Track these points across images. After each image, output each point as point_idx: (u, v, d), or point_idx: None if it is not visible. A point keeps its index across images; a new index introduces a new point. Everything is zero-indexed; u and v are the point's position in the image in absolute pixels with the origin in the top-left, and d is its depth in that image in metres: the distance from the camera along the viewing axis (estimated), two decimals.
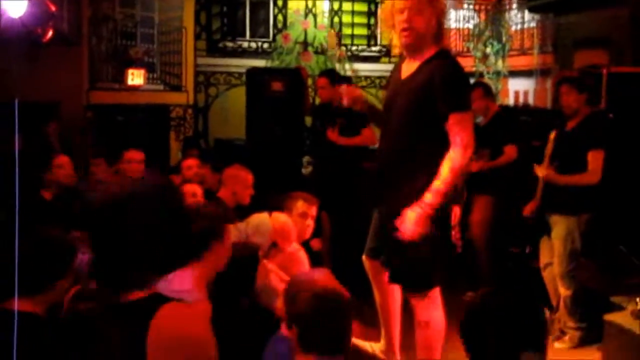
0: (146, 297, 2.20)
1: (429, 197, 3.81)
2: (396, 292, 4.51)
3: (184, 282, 3.17)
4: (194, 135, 11.75)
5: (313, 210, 4.90)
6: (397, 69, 4.26)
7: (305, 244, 4.99)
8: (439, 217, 3.90)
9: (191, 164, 6.52)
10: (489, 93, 6.86)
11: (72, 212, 4.81)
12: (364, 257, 4.54)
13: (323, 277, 2.91)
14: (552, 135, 5.58)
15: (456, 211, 4.19)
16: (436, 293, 4.14)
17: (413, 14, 3.94)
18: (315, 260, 5.44)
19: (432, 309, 4.11)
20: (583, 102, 5.48)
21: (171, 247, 2.24)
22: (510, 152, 6.53)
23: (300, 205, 4.83)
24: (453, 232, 4.60)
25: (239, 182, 5.61)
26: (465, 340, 2.57)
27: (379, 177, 4.21)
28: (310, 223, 4.88)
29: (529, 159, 6.83)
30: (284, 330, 3.16)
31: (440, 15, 4.01)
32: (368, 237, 4.48)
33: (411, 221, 3.83)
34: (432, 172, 3.83)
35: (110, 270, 2.22)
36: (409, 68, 4.09)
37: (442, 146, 3.86)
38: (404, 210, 3.86)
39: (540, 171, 5.50)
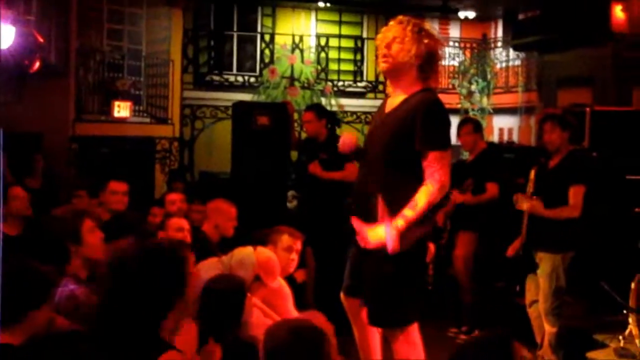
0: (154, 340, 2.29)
1: (399, 221, 3.79)
2: (375, 330, 4.46)
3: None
4: (179, 168, 11.73)
5: (298, 245, 4.90)
6: (383, 105, 4.28)
7: (289, 277, 4.98)
8: (414, 253, 3.90)
9: (174, 199, 6.50)
10: (478, 129, 6.92)
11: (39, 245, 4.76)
12: (341, 295, 4.48)
13: (307, 316, 2.91)
14: (532, 173, 5.61)
15: (431, 248, 4.17)
16: (414, 331, 4.10)
17: (394, 41, 3.97)
18: (299, 293, 5.43)
19: (411, 348, 4.08)
20: (566, 139, 5.53)
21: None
22: (492, 189, 6.57)
23: (285, 240, 4.82)
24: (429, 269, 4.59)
25: (221, 214, 5.61)
26: None
27: (353, 209, 4.20)
28: (294, 257, 4.87)
29: (512, 196, 6.88)
30: None
31: (429, 51, 3.99)
32: (345, 275, 4.43)
33: (376, 234, 3.81)
34: (405, 204, 3.82)
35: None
36: (392, 102, 4.11)
37: (417, 181, 3.86)
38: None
39: (525, 203, 5.51)
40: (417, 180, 3.85)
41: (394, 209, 3.83)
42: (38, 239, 4.24)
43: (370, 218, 3.91)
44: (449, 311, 7.10)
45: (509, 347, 2.50)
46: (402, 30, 3.98)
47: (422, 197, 3.80)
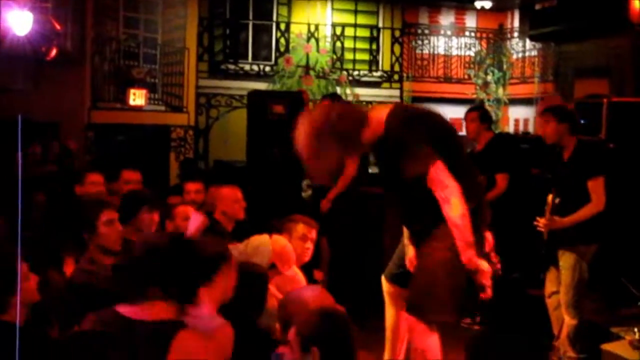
0: (166, 321, 2.32)
1: (464, 255, 3.79)
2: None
3: (203, 309, 3.23)
4: (192, 158, 11.76)
5: (313, 234, 4.90)
6: None
7: (304, 267, 4.98)
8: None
9: (191, 189, 6.41)
10: (484, 119, 6.84)
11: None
12: (383, 278, 4.52)
13: (314, 292, 2.97)
14: (550, 197, 5.53)
15: (489, 238, 4.17)
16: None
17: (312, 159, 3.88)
18: (314, 281, 5.44)
19: (429, 336, 4.09)
20: (564, 131, 5.44)
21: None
22: (501, 182, 6.51)
23: (300, 228, 4.82)
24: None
25: (224, 199, 5.59)
26: None
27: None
28: (309, 246, 4.88)
29: (528, 186, 6.86)
30: (282, 350, 3.16)
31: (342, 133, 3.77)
32: (391, 261, 4.46)
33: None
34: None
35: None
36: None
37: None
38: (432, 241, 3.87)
39: (545, 225, 5.44)
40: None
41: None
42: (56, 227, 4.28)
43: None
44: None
45: None
46: (310, 149, 3.84)
47: (451, 227, 3.75)
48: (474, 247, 3.76)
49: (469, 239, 3.73)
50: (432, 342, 4.08)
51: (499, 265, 6.19)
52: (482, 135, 6.77)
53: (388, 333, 4.64)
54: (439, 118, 4.04)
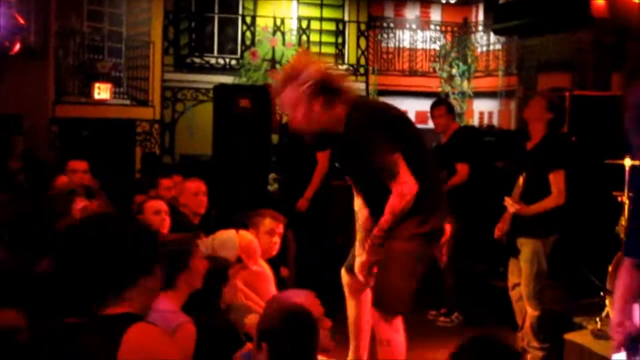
0: (119, 314, 2.27)
1: (374, 233, 4.00)
2: (369, 308, 4.53)
3: (168, 303, 3.25)
4: (154, 152, 11.67)
5: (280, 228, 4.92)
6: None
7: (271, 263, 5.00)
8: (423, 247, 4.01)
9: (169, 185, 6.33)
10: (450, 111, 6.94)
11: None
12: (343, 271, 4.55)
13: (299, 296, 2.96)
14: (521, 179, 5.59)
15: (447, 229, 4.24)
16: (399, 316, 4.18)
17: (289, 109, 4.00)
18: (280, 278, 5.45)
19: (393, 329, 4.14)
20: (546, 120, 5.51)
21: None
22: (462, 170, 6.58)
23: (267, 223, 4.84)
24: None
25: (184, 193, 5.58)
26: None
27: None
28: (277, 240, 4.90)
29: (491, 179, 6.93)
30: (249, 346, 3.19)
31: (318, 82, 3.90)
32: (350, 252, 4.50)
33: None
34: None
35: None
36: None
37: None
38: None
39: (511, 207, 5.51)
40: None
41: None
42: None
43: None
44: (429, 294, 7.12)
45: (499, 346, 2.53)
46: (286, 97, 3.95)
47: (386, 210, 3.93)
48: (381, 239, 3.96)
49: (385, 228, 3.94)
50: (396, 334, 4.14)
51: (445, 258, 6.26)
52: (449, 128, 6.83)
53: (351, 328, 4.66)
54: (395, 111, 4.16)
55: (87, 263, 2.33)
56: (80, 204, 4.24)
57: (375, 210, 4.13)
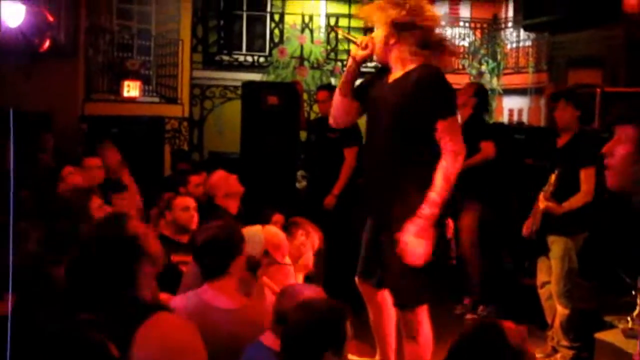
0: (139, 305, 2.26)
1: (426, 210, 3.83)
2: (390, 310, 4.49)
3: (218, 293, 3.40)
4: (183, 149, 11.73)
5: (316, 241, 4.92)
6: (385, 73, 4.27)
7: None
8: (437, 230, 3.93)
9: (199, 182, 6.34)
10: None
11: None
12: (356, 279, 4.52)
13: (314, 291, 2.97)
14: (553, 176, 5.55)
15: (450, 224, 4.19)
16: (425, 309, 4.14)
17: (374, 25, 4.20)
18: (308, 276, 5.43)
19: (420, 324, 4.11)
20: (576, 118, 5.49)
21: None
22: (486, 148, 6.49)
23: (302, 234, 4.84)
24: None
25: (174, 208, 5.56)
26: None
27: (368, 188, 4.24)
28: (310, 256, 4.89)
29: (521, 176, 6.87)
30: (264, 339, 3.19)
31: (415, 24, 4.03)
32: (359, 259, 4.47)
33: (413, 235, 3.83)
34: (423, 182, 3.85)
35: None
36: (394, 75, 4.13)
37: (432, 154, 3.88)
38: (397, 224, 3.88)
39: (542, 204, 5.46)
40: (432, 154, 3.87)
41: (412, 189, 3.87)
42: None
43: (388, 201, 3.97)
44: (457, 288, 7.05)
45: (501, 333, 2.49)
46: (372, 15, 4.04)
47: (439, 176, 3.82)
48: (440, 209, 3.85)
49: (444, 197, 3.84)
50: (423, 328, 4.12)
51: (453, 253, 6.22)
52: (464, 112, 6.75)
53: (375, 331, 4.65)
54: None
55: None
56: (96, 202, 4.25)
57: (376, 189, 4.08)
